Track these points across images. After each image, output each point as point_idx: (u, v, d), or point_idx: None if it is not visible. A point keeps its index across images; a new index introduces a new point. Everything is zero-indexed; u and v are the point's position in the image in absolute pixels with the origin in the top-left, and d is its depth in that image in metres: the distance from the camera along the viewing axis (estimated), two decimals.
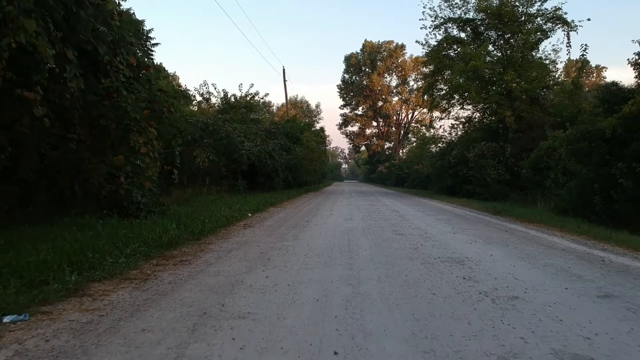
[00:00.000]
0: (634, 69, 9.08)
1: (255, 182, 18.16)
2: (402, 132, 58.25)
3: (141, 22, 6.08)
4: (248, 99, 25.72)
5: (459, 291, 3.35)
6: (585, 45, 15.86)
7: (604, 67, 46.04)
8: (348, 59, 58.86)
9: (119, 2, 5.49)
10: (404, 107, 57.37)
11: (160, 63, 8.77)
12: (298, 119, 36.86)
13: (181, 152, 9.33)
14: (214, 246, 5.64)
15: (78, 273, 3.82)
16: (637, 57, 8.99)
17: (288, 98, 37.33)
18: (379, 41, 56.12)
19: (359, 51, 57.63)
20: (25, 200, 6.39)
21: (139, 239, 5.24)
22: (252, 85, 30.33)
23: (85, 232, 5.25)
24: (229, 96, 24.77)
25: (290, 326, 2.60)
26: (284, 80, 32.45)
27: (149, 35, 6.37)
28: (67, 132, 5.21)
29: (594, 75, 46.66)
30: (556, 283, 3.66)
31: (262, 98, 29.45)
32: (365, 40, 56.49)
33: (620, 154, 8.02)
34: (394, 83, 57.91)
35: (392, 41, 55.21)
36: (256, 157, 16.57)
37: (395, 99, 57.95)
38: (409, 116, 57.96)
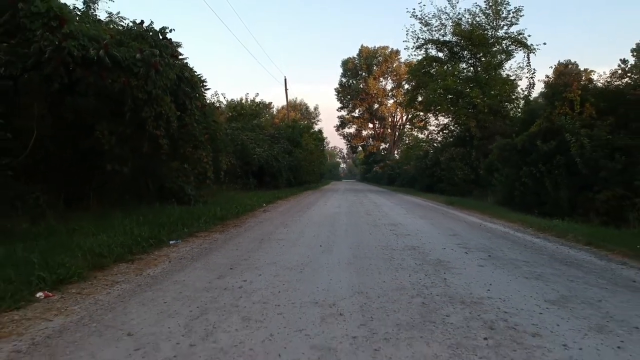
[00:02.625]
0: (544, 99, 12.51)
1: (263, 181, 21.54)
2: (397, 133, 61.21)
3: (202, 77, 9.44)
4: (254, 107, 29.32)
5: (383, 233, 6.78)
6: (534, 69, 19.31)
7: (592, 71, 49.18)
8: (345, 64, 61.77)
9: (199, 75, 8.90)
10: (398, 109, 60.23)
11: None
12: (297, 121, 40.36)
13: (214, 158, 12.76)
14: (250, 220, 9.06)
15: (187, 228, 7.22)
16: (544, 91, 12.42)
17: (288, 100, 40.67)
18: (375, 46, 59.06)
19: (355, 56, 60.55)
20: (124, 193, 9.78)
21: (203, 215, 8.61)
22: (257, 95, 33.66)
23: (170, 211, 8.63)
24: (237, 106, 28.34)
25: (302, 241, 6.02)
26: (286, 89, 35.80)
27: (204, 83, 9.74)
28: (160, 149, 8.57)
29: (583, 78, 49.81)
30: (436, 232, 7.09)
31: (267, 106, 33.02)
32: (362, 46, 59.51)
33: (526, 161, 11.45)
34: (389, 86, 60.63)
35: (387, 46, 58.21)
36: (264, 160, 19.99)
37: (391, 101, 60.67)
38: (404, 118, 60.87)
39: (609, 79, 11.72)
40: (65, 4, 6.64)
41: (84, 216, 7.52)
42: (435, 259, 4.73)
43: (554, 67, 12.10)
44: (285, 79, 35.81)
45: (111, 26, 8.91)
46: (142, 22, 7.73)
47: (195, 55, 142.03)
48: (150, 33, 7.34)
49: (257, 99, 29.29)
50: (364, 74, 59.98)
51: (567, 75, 11.93)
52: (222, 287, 3.59)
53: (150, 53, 6.77)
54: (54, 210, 7.84)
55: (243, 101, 29.54)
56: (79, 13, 7.77)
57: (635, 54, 28.36)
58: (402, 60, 56.58)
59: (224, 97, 33.21)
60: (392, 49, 58.59)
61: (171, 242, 6.20)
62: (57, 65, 6.26)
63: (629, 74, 11.24)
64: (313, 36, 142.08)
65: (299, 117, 58.56)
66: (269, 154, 20.59)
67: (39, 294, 3.47)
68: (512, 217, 9.25)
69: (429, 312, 2.89)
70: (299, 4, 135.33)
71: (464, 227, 7.90)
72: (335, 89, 62.12)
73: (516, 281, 3.81)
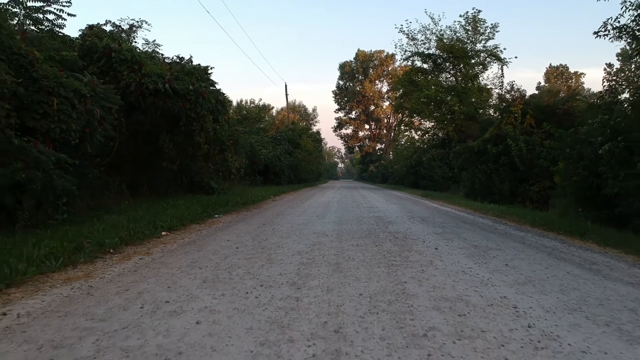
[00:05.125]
0: (496, 112, 15.50)
1: (267, 178, 24.48)
2: (392, 134, 63.92)
3: (228, 98, 12.42)
4: (257, 112, 32.35)
5: (361, 211, 9.75)
6: (502, 81, 22.30)
7: (582, 73, 51.93)
8: (342, 67, 64.45)
9: (226, 96, 11.85)
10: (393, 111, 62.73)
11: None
12: (297, 123, 43.40)
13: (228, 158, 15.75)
14: (264, 205, 12.00)
15: (221, 208, 10.16)
16: (500, 105, 15.42)
17: (288, 105, 43.58)
18: (371, 50, 61.66)
19: (352, 59, 63.26)
20: (164, 188, 12.70)
21: (229, 202, 11.54)
22: (260, 100, 36.63)
23: (203, 199, 11.56)
24: (241, 109, 31.36)
25: (305, 215, 8.98)
26: (286, 95, 38.73)
27: (230, 102, 12.71)
28: (197, 152, 11.50)
29: (573, 80, 52.88)
30: (399, 210, 10.05)
31: (267, 109, 36.05)
32: (359, 50, 62.18)
33: (480, 161, 14.45)
34: (384, 89, 63.34)
35: (383, 50, 60.83)
36: (269, 160, 22.95)
37: (386, 103, 63.24)
38: (404, 116, 63.17)
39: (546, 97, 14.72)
40: (142, 51, 9.58)
41: (145, 200, 10.45)
42: (388, 221, 7.70)
43: (506, 86, 15.02)
44: (285, 85, 38.71)
45: (153, 55, 11.86)
46: (188, 60, 10.71)
47: (195, 55, 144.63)
48: (197, 70, 10.29)
49: (258, 100, 32.43)
50: (360, 77, 62.74)
51: (514, 92, 14.92)
52: (263, 230, 6.55)
53: (199, 85, 9.72)
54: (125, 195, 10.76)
55: (244, 103, 32.70)
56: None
57: (620, 58, 31.51)
58: (397, 64, 59.83)
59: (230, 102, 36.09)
60: (388, 52, 61.09)
61: (215, 215, 9.13)
62: (138, 95, 9.19)
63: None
64: (312, 37, 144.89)
65: (298, 119, 61.46)
66: (273, 155, 23.56)
67: (163, 233, 6.40)
68: (462, 203, 12.24)
69: (369, 234, 5.87)
70: (298, 5, 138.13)
71: (421, 208, 10.88)
72: (332, 91, 64.94)
73: (426, 228, 6.78)
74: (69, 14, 8.49)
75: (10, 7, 7.63)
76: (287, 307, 2.67)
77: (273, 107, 58.11)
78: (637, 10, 6.83)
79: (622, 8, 7.28)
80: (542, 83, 52.52)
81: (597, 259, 4.48)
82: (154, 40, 12.61)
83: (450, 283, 3.28)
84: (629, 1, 7.16)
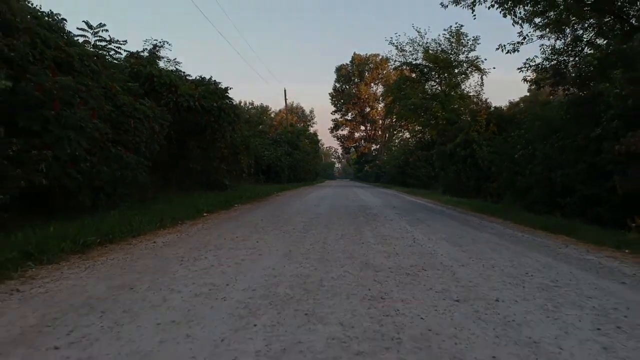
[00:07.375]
0: (469, 118, 18.22)
1: (269, 177, 27.10)
2: (387, 135, 66.42)
3: (238, 106, 15.02)
4: (258, 115, 34.95)
5: (349, 202, 12.40)
6: (480, 90, 25.07)
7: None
8: (339, 70, 66.78)
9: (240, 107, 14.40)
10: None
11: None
12: (295, 125, 46.01)
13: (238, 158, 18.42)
14: (271, 198, 14.63)
15: (238, 200, 12.78)
16: (471, 113, 18.11)
17: (287, 108, 46.14)
18: (367, 54, 63.93)
19: (348, 62, 65.64)
20: (189, 184, 15.29)
21: (243, 196, 14.16)
22: (261, 104, 39.18)
23: (221, 194, 14.18)
24: (244, 114, 33.93)
25: (305, 203, 11.62)
26: (285, 99, 41.18)
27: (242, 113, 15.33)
28: (217, 155, 14.10)
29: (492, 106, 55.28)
30: (380, 202, 12.71)
31: (266, 110, 38.66)
32: (354, 53, 64.53)
33: (452, 162, 17.13)
34: (379, 91, 65.74)
35: (378, 54, 62.95)
36: (271, 161, 25.59)
37: (381, 105, 65.62)
38: (393, 121, 65.98)
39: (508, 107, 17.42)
40: (178, 75, 12.20)
41: (177, 195, 13.05)
42: (367, 207, 10.35)
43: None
44: (285, 91, 41.24)
45: (180, 75, 14.43)
46: (209, 79, 13.35)
47: (194, 55, 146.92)
48: (219, 90, 12.91)
49: (257, 101, 35.02)
50: (356, 79, 65.21)
51: (481, 103, 17.61)
52: (275, 212, 9.17)
53: (221, 103, 12.33)
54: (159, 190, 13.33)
55: (243, 104, 35.29)
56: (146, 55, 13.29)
57: None
58: (391, 68, 62.34)
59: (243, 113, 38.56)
60: (383, 56, 62.88)
61: (235, 205, 11.74)
62: (175, 111, 11.78)
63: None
64: (311, 37, 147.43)
65: (296, 120, 64.00)
66: (274, 156, 26.20)
67: (204, 214, 9.01)
68: (435, 198, 14.91)
69: (351, 214, 8.52)
70: (297, 6, 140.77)
71: (399, 201, 13.54)
72: (329, 93, 67.36)
73: (393, 211, 9.42)
74: (124, 50, 11.08)
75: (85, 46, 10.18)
76: (300, 238, 5.32)
77: (272, 110, 60.65)
78: (544, 54, 9.52)
79: (540, 50, 9.98)
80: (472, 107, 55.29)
81: (490, 225, 7.15)
82: (175, 59, 15.16)
83: (388, 232, 5.93)
84: (544, 44, 9.87)
